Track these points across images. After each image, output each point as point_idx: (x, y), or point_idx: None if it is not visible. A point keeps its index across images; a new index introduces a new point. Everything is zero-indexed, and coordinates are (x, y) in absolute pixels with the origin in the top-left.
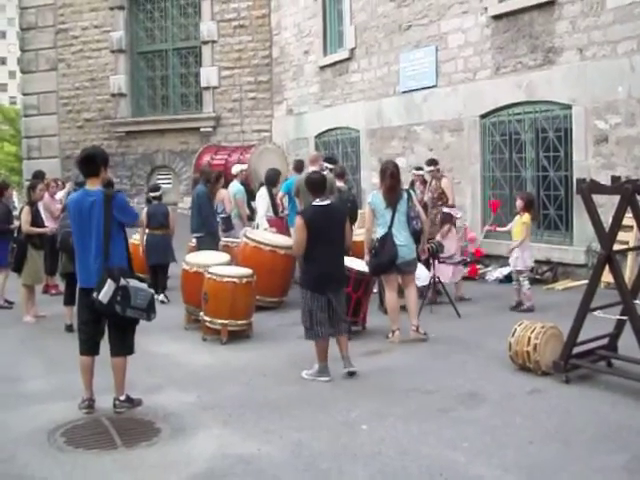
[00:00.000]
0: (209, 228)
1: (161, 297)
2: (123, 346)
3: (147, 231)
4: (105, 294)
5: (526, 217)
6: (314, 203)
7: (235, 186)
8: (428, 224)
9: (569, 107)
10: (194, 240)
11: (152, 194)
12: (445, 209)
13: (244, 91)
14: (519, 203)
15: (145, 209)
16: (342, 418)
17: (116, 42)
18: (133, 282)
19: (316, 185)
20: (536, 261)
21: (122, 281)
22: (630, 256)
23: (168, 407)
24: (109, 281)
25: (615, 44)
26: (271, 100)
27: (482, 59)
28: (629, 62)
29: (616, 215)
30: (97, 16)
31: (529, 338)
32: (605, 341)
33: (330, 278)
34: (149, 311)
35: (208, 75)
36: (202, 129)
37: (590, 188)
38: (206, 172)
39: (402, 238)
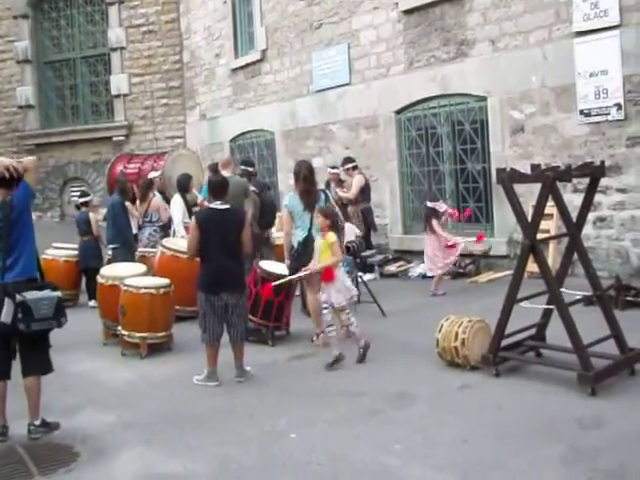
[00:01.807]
0: (124, 238)
1: (91, 303)
2: (36, 365)
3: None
4: (6, 314)
5: (331, 236)
6: (211, 205)
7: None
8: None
9: (484, 99)
10: (110, 252)
11: (79, 200)
12: (429, 203)
13: (156, 98)
14: (323, 220)
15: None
16: (270, 427)
17: (21, 52)
18: (31, 294)
19: (216, 188)
20: (459, 254)
21: (18, 297)
22: (552, 244)
23: (87, 429)
24: (7, 300)
25: (527, 34)
26: (183, 105)
27: (395, 54)
28: (541, 51)
29: (538, 204)
30: (0, 26)
31: (456, 333)
32: (533, 331)
33: (222, 281)
34: (58, 317)
35: (118, 83)
36: (114, 138)
37: (510, 177)
38: (121, 182)
39: None
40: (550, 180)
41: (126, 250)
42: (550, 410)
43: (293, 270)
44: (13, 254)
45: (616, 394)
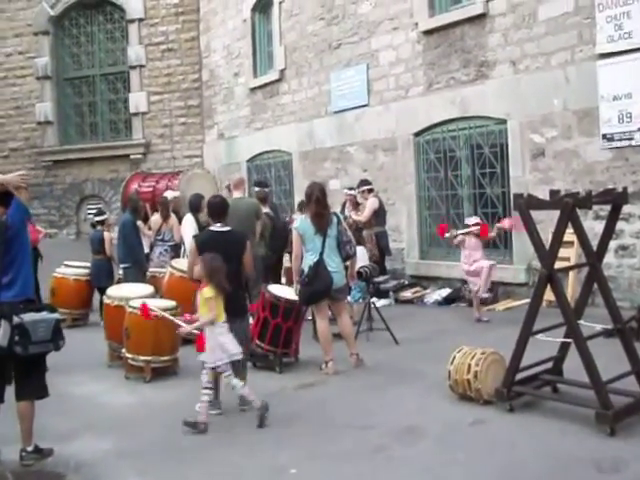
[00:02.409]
0: (135, 258)
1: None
2: (30, 389)
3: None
4: (3, 337)
5: (207, 291)
6: (211, 228)
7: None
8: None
9: (504, 122)
10: (121, 272)
11: (95, 219)
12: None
13: (174, 116)
14: (200, 270)
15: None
16: (270, 462)
17: (41, 69)
18: (28, 316)
19: (215, 209)
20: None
21: (15, 319)
22: (572, 273)
23: (81, 456)
24: (3, 322)
25: (548, 56)
26: (202, 125)
27: (414, 76)
28: (563, 74)
29: (556, 231)
30: (21, 42)
31: (469, 365)
32: (549, 365)
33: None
34: (56, 340)
35: (137, 101)
36: (132, 156)
37: (528, 204)
38: (133, 200)
39: (334, 264)
40: (569, 207)
41: (137, 270)
42: (566, 450)
43: (306, 296)
44: (10, 273)
45: (636, 435)
